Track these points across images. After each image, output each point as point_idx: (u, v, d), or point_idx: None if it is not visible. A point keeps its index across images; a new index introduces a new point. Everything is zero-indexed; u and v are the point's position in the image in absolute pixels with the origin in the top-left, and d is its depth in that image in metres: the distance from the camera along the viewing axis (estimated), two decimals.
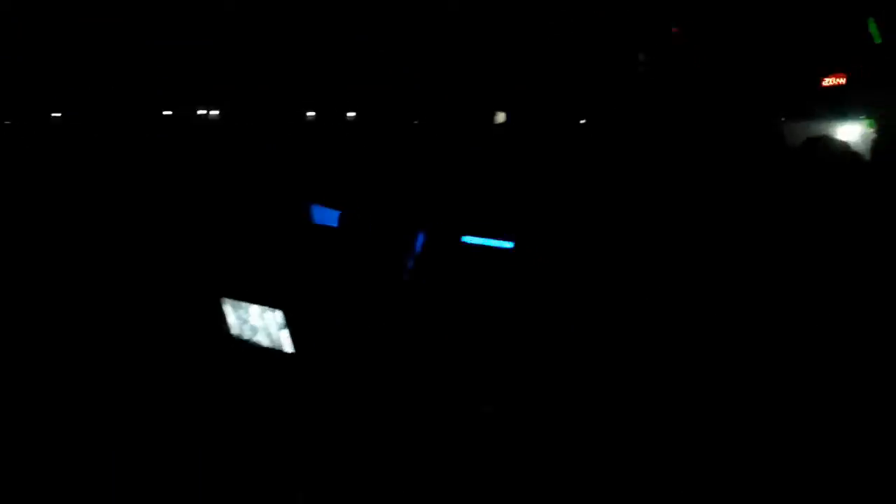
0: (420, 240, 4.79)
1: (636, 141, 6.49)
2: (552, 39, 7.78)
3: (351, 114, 9.31)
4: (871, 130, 7.30)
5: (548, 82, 7.52)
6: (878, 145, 7.46)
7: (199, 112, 9.95)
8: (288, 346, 4.43)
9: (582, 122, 7.11)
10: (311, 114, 9.61)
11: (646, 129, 6.81)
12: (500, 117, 7.12)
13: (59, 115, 9.57)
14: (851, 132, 7.27)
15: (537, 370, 4.11)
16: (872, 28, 7.72)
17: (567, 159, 5.91)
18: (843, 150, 6.03)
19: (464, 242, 4.81)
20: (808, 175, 5.15)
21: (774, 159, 6.04)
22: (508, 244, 4.78)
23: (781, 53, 7.74)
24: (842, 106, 7.52)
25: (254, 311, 4.57)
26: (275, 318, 4.44)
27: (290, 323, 4.39)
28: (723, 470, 3.23)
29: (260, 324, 4.57)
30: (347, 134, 8.79)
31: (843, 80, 7.77)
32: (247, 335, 4.62)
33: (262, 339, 4.58)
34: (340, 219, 4.97)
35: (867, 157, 6.94)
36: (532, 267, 4.70)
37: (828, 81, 7.84)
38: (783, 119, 6.92)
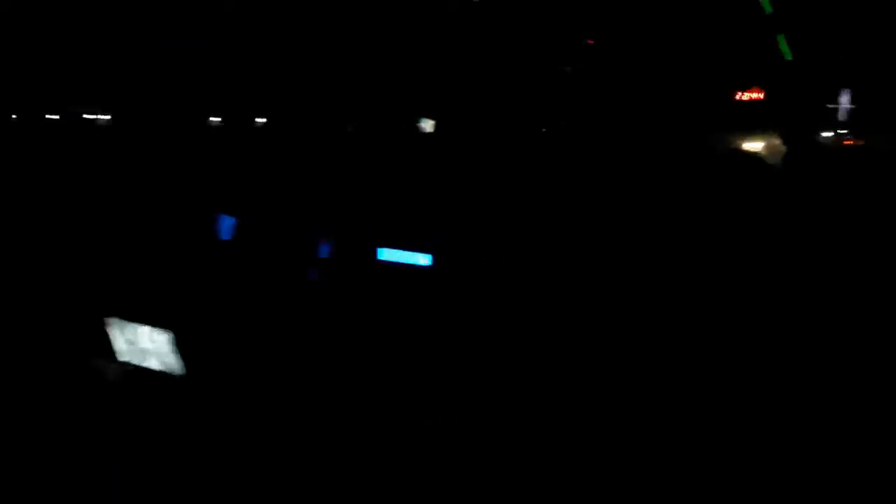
0: (324, 250, 4.52)
1: (565, 150, 6.39)
2: (477, 51, 7.59)
3: (260, 119, 8.78)
4: (783, 142, 7.42)
5: (476, 91, 7.31)
6: (789, 157, 7.59)
7: (86, 116, 9.17)
8: (179, 369, 4.06)
9: (513, 130, 6.92)
10: (215, 119, 9.02)
11: (573, 138, 6.71)
12: (427, 125, 6.76)
13: None
14: (766, 144, 7.38)
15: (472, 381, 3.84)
16: (783, 44, 7.82)
17: (496, 168, 5.74)
18: (758, 161, 6.15)
19: (378, 258, 4.57)
20: (728, 183, 5.29)
21: (696, 169, 6.08)
22: (426, 257, 4.54)
23: (699, 68, 7.78)
24: (758, 119, 7.60)
25: (143, 332, 4.17)
26: (165, 339, 4.07)
27: (181, 343, 4.02)
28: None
29: (150, 346, 4.18)
30: (252, 140, 8.28)
31: (759, 95, 7.85)
32: (136, 360, 4.22)
33: (153, 363, 4.19)
34: (233, 228, 4.64)
35: (780, 167, 7.06)
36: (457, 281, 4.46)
37: (745, 96, 7.92)
38: (705, 131, 6.95)
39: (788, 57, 7.80)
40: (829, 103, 7.71)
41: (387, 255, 4.64)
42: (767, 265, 4.52)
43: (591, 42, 8.28)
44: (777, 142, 7.54)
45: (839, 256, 4.85)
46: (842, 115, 7.65)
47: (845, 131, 7.59)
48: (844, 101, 7.65)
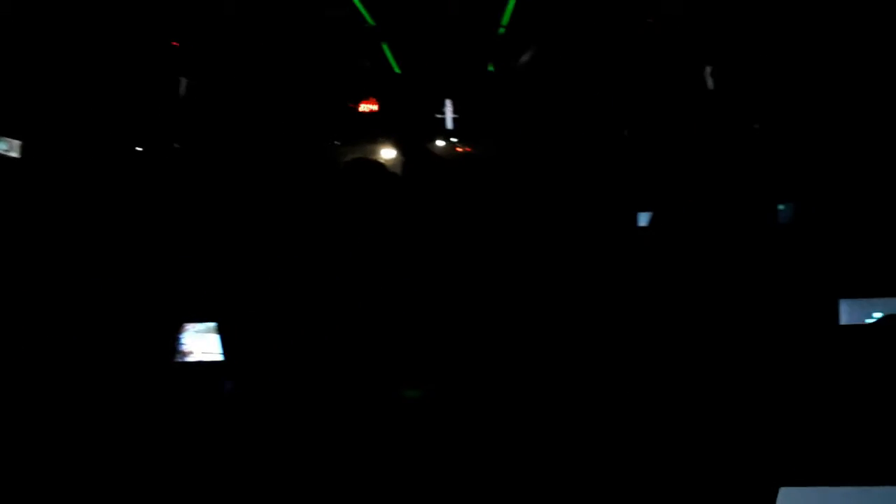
0: None
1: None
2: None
3: None
4: (401, 151, 7.68)
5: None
6: (409, 165, 7.90)
7: None
8: None
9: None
10: None
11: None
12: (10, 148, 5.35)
13: None
14: (386, 153, 7.57)
15: None
16: (389, 56, 8.07)
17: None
18: (379, 169, 6.24)
19: None
20: (348, 191, 5.25)
21: (328, 179, 5.96)
22: None
23: (311, 80, 7.64)
24: (376, 129, 7.74)
25: None
26: None
27: None
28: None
29: None
30: None
31: (374, 107, 7.99)
32: None
33: None
34: None
35: (400, 175, 7.28)
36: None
37: (363, 108, 8.00)
38: (334, 142, 6.87)
39: (396, 69, 8.08)
40: (438, 113, 8.19)
41: None
42: (392, 267, 4.52)
43: (174, 44, 7.64)
44: (394, 150, 7.77)
45: (464, 257, 5.03)
46: (449, 124, 8.18)
47: (456, 139, 8.12)
48: (449, 111, 8.19)
